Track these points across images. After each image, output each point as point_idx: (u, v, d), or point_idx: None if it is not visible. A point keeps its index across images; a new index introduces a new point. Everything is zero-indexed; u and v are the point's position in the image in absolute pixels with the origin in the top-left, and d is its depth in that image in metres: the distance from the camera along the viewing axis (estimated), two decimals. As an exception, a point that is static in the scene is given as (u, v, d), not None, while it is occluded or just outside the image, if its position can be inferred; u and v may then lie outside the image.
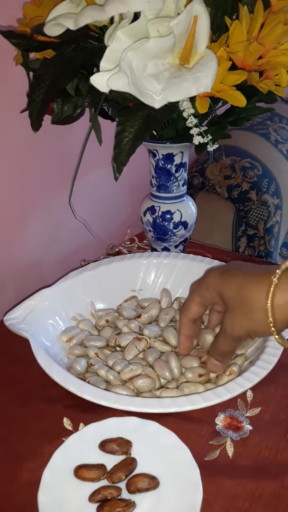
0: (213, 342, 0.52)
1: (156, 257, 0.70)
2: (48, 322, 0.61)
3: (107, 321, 0.64)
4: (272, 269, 0.43)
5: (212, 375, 0.55)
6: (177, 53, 0.52)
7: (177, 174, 0.70)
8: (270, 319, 0.42)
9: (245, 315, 0.44)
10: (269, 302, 0.42)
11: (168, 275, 0.69)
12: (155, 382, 0.54)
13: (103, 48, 0.52)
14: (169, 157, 0.68)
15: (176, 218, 0.72)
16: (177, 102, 0.54)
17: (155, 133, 0.66)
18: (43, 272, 0.83)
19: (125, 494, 0.43)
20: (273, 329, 0.43)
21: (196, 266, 0.68)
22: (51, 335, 0.59)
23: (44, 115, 0.54)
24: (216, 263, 0.68)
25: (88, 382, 0.52)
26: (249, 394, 0.54)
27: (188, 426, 0.50)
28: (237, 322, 0.45)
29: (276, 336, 0.43)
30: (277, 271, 0.42)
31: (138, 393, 0.53)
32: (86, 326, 0.63)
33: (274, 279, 0.42)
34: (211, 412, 0.51)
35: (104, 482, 0.44)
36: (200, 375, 0.53)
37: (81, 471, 0.44)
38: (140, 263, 0.70)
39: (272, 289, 0.42)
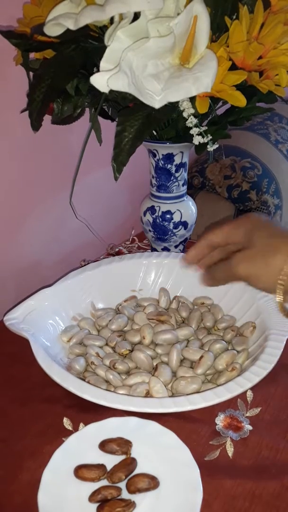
0: (214, 265, 0.51)
1: (156, 257, 0.70)
2: (48, 322, 0.60)
3: (113, 331, 0.63)
4: None
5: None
6: (177, 53, 0.52)
7: (177, 174, 0.70)
8: (282, 276, 0.42)
9: (261, 260, 0.44)
10: None
11: (168, 275, 0.69)
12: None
13: (103, 48, 0.52)
14: (169, 157, 0.68)
15: (176, 218, 0.72)
16: (177, 102, 0.54)
17: (155, 133, 0.66)
18: (43, 272, 0.84)
19: (125, 494, 0.43)
20: (279, 286, 0.42)
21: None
22: (51, 335, 0.59)
23: (44, 115, 0.54)
24: None
25: (88, 382, 0.52)
26: (249, 394, 0.54)
27: (188, 426, 0.50)
28: (246, 262, 0.45)
29: (278, 297, 0.43)
30: None
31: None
32: (87, 325, 0.63)
33: None
34: (211, 412, 0.51)
35: (104, 482, 0.44)
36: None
37: (81, 471, 0.44)
38: (140, 263, 0.70)
39: None
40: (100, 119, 0.64)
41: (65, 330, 0.61)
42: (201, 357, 0.55)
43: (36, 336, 0.55)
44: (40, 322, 0.59)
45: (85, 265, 0.69)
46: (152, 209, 0.73)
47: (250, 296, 0.62)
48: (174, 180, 0.71)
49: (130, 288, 0.69)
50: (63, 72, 0.55)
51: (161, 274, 0.70)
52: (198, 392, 0.50)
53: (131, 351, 0.58)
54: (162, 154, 0.68)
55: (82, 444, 0.47)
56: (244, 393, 0.53)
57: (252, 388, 0.50)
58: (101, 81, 0.52)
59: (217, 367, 0.55)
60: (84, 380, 0.52)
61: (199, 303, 0.66)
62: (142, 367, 0.56)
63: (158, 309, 0.64)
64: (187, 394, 0.49)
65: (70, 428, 0.51)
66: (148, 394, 0.51)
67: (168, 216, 0.72)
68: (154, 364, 0.57)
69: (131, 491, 0.43)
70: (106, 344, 0.60)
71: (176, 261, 0.69)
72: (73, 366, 0.56)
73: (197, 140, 0.55)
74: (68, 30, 0.52)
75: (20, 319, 0.58)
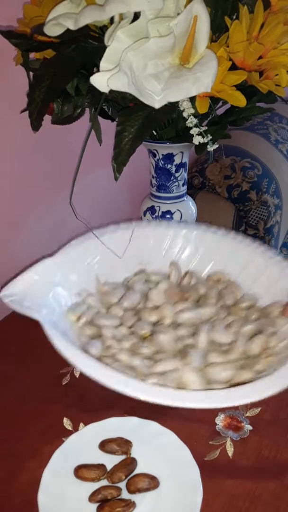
0: None
1: (166, 227, 0.62)
2: (50, 298, 0.52)
3: (125, 309, 0.55)
4: None
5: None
6: (177, 53, 0.52)
7: (177, 174, 0.70)
8: None
9: None
10: None
11: (178, 247, 0.62)
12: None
13: (103, 48, 0.52)
14: (169, 157, 0.68)
15: (176, 218, 0.72)
16: (177, 102, 0.54)
17: (155, 133, 0.66)
18: (43, 272, 0.83)
19: (125, 494, 0.43)
20: None
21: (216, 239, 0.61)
22: (56, 313, 0.51)
23: (44, 115, 0.54)
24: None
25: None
26: (249, 394, 0.54)
27: (188, 426, 0.50)
28: None
29: None
30: None
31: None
32: (95, 302, 0.56)
33: None
34: (211, 412, 0.51)
35: (104, 482, 0.44)
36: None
37: (81, 471, 0.44)
38: (149, 233, 0.61)
39: None
40: (100, 119, 0.64)
41: (72, 308, 0.53)
42: (233, 340, 0.50)
43: (43, 315, 0.47)
44: (42, 298, 0.50)
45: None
46: (152, 209, 0.73)
47: (275, 271, 0.55)
48: (174, 180, 0.71)
49: (137, 260, 0.61)
50: (63, 72, 0.55)
51: (171, 246, 0.62)
52: (236, 381, 0.45)
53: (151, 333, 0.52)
54: (162, 154, 0.68)
55: (82, 444, 0.47)
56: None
57: (252, 388, 0.50)
58: (101, 81, 0.52)
59: (250, 352, 0.49)
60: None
61: (215, 279, 0.59)
62: (166, 351, 0.50)
63: (174, 285, 0.57)
64: (221, 383, 0.45)
65: (70, 428, 0.51)
66: (180, 384, 0.46)
67: (168, 216, 0.72)
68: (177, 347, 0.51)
69: (131, 491, 0.43)
70: (121, 324, 0.53)
71: (188, 232, 0.61)
72: (88, 350, 0.49)
73: (197, 140, 0.55)
74: (68, 30, 0.52)
75: (21, 295, 0.49)
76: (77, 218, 0.77)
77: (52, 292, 0.52)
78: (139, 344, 0.50)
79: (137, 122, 0.53)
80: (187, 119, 0.54)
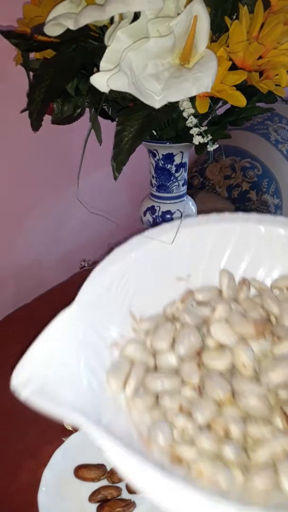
0: None
1: (201, 224, 0.43)
2: (82, 367, 0.34)
3: (181, 359, 0.37)
4: None
5: None
6: (177, 53, 0.52)
7: (177, 174, 0.70)
8: None
9: None
10: None
11: (222, 248, 0.43)
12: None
13: (103, 48, 0.52)
14: (169, 157, 0.68)
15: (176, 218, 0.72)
16: (177, 102, 0.54)
17: (155, 133, 0.66)
18: (43, 272, 0.84)
19: (125, 494, 0.43)
20: None
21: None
22: (93, 387, 0.34)
23: (44, 115, 0.54)
24: None
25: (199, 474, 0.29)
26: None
27: (188, 426, 0.50)
28: None
29: None
30: None
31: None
32: (138, 352, 0.37)
33: None
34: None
35: (104, 482, 0.44)
36: None
37: (81, 471, 0.44)
38: (179, 238, 0.42)
39: None
40: (100, 119, 0.64)
41: (112, 371, 0.36)
42: None
43: (78, 405, 0.31)
44: (70, 374, 0.33)
45: (84, 266, 0.69)
46: (152, 209, 0.73)
47: None
48: (174, 180, 0.71)
49: (175, 275, 0.42)
50: (63, 72, 0.55)
51: (213, 249, 0.43)
52: None
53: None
54: (162, 154, 0.68)
55: (82, 444, 0.47)
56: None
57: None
58: (101, 81, 0.52)
59: None
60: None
61: (284, 287, 0.41)
62: (256, 418, 0.32)
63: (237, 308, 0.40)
64: None
65: (70, 428, 0.51)
66: None
67: (168, 216, 0.72)
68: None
69: (131, 491, 0.43)
70: (183, 383, 0.35)
71: (231, 227, 0.43)
72: (156, 441, 0.31)
73: (197, 140, 0.55)
74: (68, 30, 0.52)
75: (39, 377, 0.34)
76: (90, 212, 0.77)
77: (82, 358, 0.35)
78: (221, 415, 0.32)
79: (137, 122, 0.53)
80: (187, 119, 0.54)
